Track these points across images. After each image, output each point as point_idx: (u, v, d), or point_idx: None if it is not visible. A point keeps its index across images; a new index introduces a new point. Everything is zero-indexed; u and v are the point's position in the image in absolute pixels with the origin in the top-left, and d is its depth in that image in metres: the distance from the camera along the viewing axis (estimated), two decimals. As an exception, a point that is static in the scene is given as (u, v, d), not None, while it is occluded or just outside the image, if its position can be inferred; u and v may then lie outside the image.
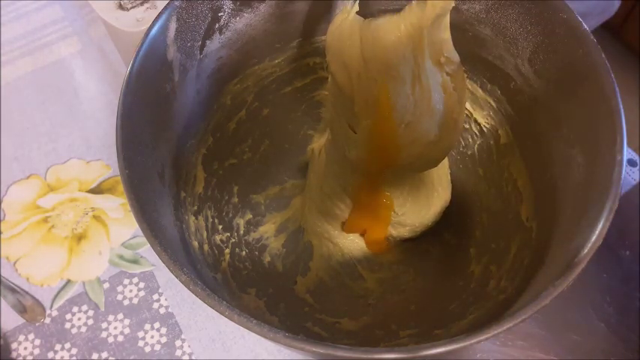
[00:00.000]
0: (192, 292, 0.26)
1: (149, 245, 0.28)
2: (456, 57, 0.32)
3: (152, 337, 0.45)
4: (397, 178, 0.40)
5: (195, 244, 0.37)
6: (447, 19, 0.31)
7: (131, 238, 0.49)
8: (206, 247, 0.39)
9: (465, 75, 0.34)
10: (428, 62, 0.32)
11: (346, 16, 0.33)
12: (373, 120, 0.35)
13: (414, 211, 0.42)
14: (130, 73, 0.32)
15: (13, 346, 0.45)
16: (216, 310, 0.26)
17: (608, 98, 0.29)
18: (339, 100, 0.36)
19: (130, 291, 0.47)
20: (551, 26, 0.33)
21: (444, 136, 0.35)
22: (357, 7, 0.33)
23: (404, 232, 0.44)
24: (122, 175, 0.29)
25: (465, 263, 0.41)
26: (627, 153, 0.36)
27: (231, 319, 0.25)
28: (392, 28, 0.31)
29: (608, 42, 1.12)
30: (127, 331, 0.45)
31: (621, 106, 0.29)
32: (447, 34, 0.31)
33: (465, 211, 0.44)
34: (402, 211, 0.42)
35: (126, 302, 0.46)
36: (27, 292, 0.47)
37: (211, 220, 0.41)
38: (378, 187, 0.41)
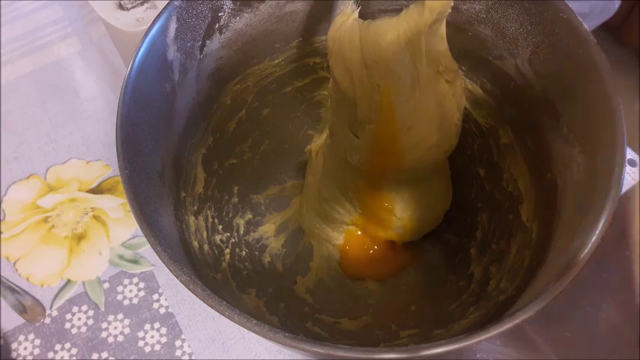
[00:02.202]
0: (192, 292, 0.26)
1: (149, 245, 0.28)
2: (454, 66, 0.32)
3: (152, 337, 0.45)
4: (398, 182, 0.40)
5: (195, 244, 0.37)
6: (444, 29, 0.31)
7: (131, 238, 0.49)
8: (206, 247, 0.39)
9: (464, 76, 0.34)
10: (427, 69, 0.32)
11: (346, 18, 0.33)
12: (376, 124, 0.35)
13: (416, 215, 0.42)
14: (130, 73, 0.32)
15: (13, 346, 0.45)
16: (216, 310, 0.26)
17: (608, 98, 0.29)
18: (342, 104, 0.36)
19: (130, 291, 0.47)
20: (551, 26, 0.33)
21: (443, 141, 0.35)
22: (356, 13, 0.33)
23: (405, 236, 0.44)
24: (122, 175, 0.29)
25: (465, 263, 0.41)
26: (627, 153, 0.36)
27: (231, 319, 0.25)
28: (390, 30, 0.31)
29: (608, 42, 1.12)
30: (127, 331, 0.45)
31: (621, 106, 0.29)
32: (443, 46, 0.31)
33: (465, 211, 0.44)
34: (403, 216, 0.42)
35: (126, 302, 0.46)
36: (27, 292, 0.47)
37: (211, 220, 0.41)
38: (379, 191, 0.41)
